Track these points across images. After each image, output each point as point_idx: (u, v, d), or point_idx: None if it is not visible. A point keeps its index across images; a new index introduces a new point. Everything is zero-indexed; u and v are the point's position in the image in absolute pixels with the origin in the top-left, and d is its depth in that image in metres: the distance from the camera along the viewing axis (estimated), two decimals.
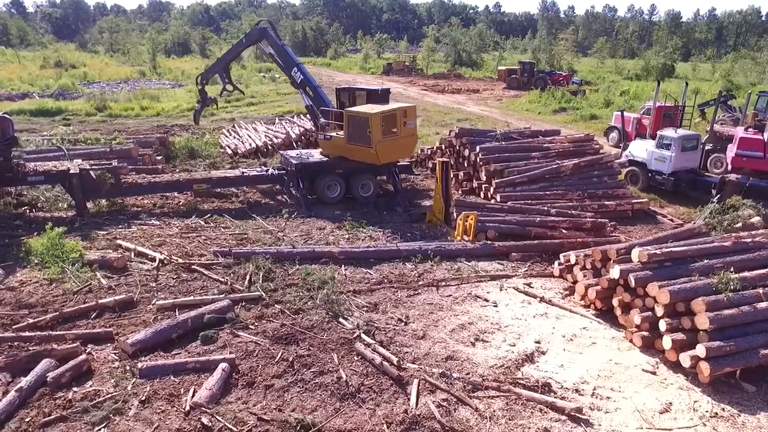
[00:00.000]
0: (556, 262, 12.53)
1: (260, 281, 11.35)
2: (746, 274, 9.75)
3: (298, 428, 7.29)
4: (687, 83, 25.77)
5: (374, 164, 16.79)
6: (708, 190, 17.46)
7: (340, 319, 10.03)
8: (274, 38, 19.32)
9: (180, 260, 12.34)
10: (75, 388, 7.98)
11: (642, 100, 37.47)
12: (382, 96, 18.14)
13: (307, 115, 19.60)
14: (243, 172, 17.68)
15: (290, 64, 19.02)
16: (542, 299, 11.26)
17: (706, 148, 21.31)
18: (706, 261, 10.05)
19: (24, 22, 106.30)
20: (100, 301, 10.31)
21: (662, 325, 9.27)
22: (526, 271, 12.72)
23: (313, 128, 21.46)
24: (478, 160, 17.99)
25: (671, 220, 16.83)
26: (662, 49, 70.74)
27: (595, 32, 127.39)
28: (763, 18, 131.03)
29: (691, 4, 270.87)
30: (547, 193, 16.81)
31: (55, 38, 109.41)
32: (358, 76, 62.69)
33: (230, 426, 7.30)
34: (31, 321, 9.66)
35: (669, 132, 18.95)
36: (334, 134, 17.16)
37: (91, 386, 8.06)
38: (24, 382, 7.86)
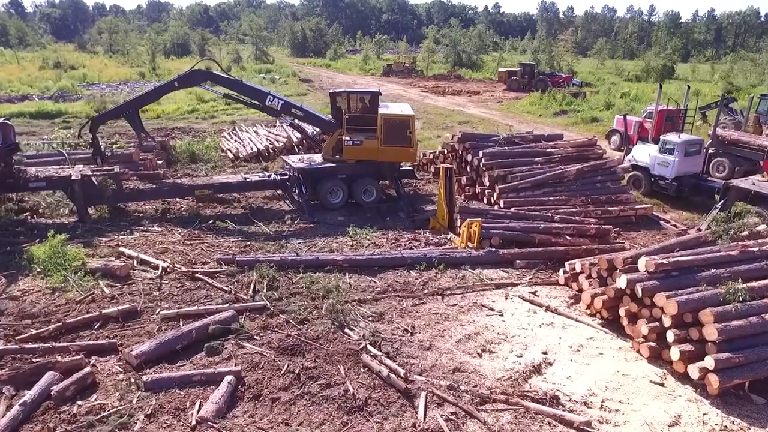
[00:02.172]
0: (561, 270, 12.48)
1: (264, 290, 11.29)
2: (754, 283, 9.70)
3: None
4: (689, 86, 25.70)
5: (396, 165, 17.68)
6: (711, 195, 17.45)
7: (346, 330, 9.97)
8: (225, 77, 16.97)
9: (183, 268, 12.27)
10: (80, 402, 7.92)
11: (643, 102, 37.46)
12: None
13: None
14: (245, 178, 17.59)
15: (260, 94, 16.96)
16: (548, 308, 11.21)
17: (709, 152, 21.28)
18: (713, 270, 10.00)
19: (23, 23, 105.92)
20: (103, 311, 10.23)
21: (670, 336, 9.21)
22: (531, 278, 12.66)
23: (316, 134, 21.43)
24: (481, 165, 17.93)
25: (675, 225, 16.79)
26: (662, 50, 70.76)
27: (595, 33, 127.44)
28: (762, 19, 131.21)
29: (690, 4, 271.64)
30: (551, 198, 16.78)
31: (54, 39, 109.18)
32: (358, 77, 62.60)
33: None
34: (34, 332, 9.59)
35: (672, 137, 18.90)
36: (363, 139, 16.99)
37: (95, 400, 8.01)
38: (28, 396, 7.79)
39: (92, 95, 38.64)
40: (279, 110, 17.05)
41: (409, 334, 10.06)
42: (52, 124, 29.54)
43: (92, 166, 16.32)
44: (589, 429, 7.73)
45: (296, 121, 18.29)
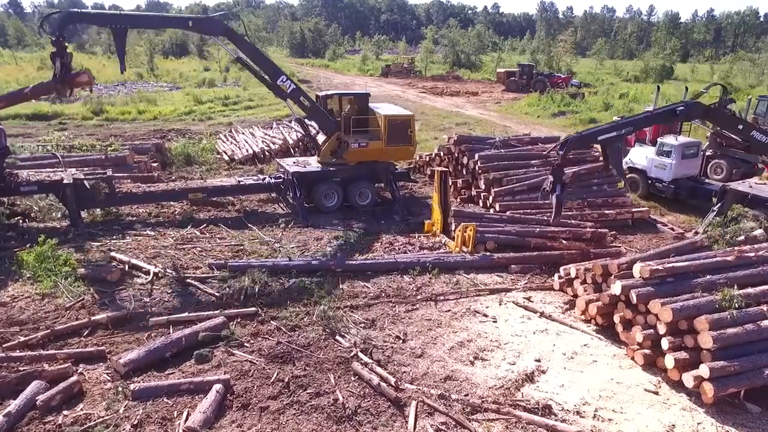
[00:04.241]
0: (556, 276, 12.37)
1: (256, 296, 11.17)
2: (750, 290, 9.59)
3: None
4: (687, 88, 25.54)
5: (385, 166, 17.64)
6: (708, 198, 17.33)
7: (337, 337, 9.85)
8: (245, 39, 15.80)
9: (174, 273, 12.14)
10: (65, 412, 7.80)
11: (641, 102, 37.29)
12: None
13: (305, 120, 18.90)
14: (239, 181, 17.46)
15: (275, 70, 16.22)
16: (542, 314, 11.10)
17: (707, 154, 21.15)
18: (708, 276, 9.89)
19: (21, 23, 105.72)
20: (92, 318, 10.12)
21: (664, 344, 9.11)
22: (526, 283, 12.55)
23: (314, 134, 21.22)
24: (477, 168, 17.83)
25: (672, 228, 16.68)
26: (661, 50, 70.74)
27: (594, 33, 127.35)
28: (762, 19, 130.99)
29: (690, 4, 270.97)
30: (547, 201, 16.62)
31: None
32: (357, 78, 62.44)
33: None
34: (22, 339, 9.47)
35: (669, 139, 18.80)
36: (368, 140, 17.08)
37: (82, 409, 7.88)
38: (12, 406, 7.67)
39: (89, 96, 38.43)
40: (288, 93, 16.10)
41: (401, 341, 9.94)
42: (48, 126, 29.41)
43: (85, 169, 16.16)
44: None
45: (305, 120, 18.13)
